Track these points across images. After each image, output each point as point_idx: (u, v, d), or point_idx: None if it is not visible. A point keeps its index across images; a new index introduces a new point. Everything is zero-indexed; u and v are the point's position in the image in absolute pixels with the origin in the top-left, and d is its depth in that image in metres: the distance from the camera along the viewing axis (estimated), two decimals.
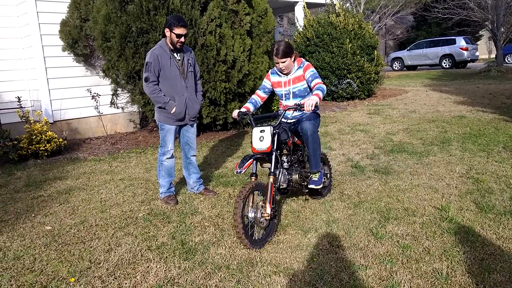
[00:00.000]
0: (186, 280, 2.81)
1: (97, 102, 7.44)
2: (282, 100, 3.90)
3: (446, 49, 21.45)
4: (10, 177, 5.40)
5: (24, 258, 3.18)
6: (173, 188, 4.35)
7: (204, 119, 7.04)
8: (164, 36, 4.05)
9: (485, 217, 3.56)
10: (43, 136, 6.23)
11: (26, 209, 4.22)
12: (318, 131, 3.79)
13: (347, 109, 9.94)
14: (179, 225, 3.70)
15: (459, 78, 16.43)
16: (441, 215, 3.64)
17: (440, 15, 20.60)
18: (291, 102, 3.81)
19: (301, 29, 11.77)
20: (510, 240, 3.15)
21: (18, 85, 7.46)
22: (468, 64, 22.19)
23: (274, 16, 8.64)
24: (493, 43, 20.45)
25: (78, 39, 7.26)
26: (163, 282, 2.80)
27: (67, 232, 3.65)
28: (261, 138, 3.38)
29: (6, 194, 4.73)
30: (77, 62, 7.63)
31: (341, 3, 12.99)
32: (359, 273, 2.81)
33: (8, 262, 3.14)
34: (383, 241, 3.23)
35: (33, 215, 4.07)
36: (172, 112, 4.04)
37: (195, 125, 4.37)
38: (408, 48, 23.49)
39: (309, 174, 3.86)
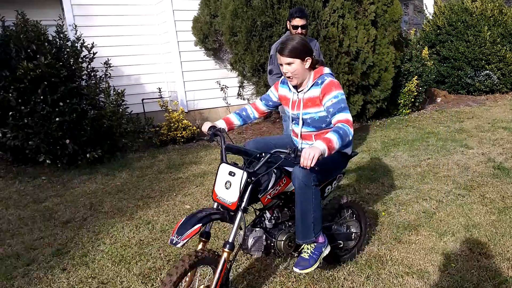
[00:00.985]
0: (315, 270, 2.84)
1: (225, 93, 7.96)
2: (291, 123, 2.72)
3: None
4: (154, 160, 6.11)
5: (169, 232, 3.59)
6: None
7: None
8: (287, 29, 4.18)
9: None
10: (180, 124, 6.90)
11: (169, 189, 4.74)
12: (317, 184, 2.40)
13: (486, 104, 8.95)
14: None
15: None
16: None
17: None
18: (303, 129, 2.64)
19: (430, 17, 10.91)
20: None
21: (158, 78, 8.35)
22: None
23: (400, 3, 8.15)
24: None
25: (208, 34, 7.80)
26: None
27: None
28: (228, 184, 2.29)
29: (152, 174, 5.37)
30: (207, 56, 8.22)
31: None
32: (507, 286, 2.54)
33: (156, 233, 3.58)
34: None
35: (174, 194, 4.55)
36: None
37: None
38: None
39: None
